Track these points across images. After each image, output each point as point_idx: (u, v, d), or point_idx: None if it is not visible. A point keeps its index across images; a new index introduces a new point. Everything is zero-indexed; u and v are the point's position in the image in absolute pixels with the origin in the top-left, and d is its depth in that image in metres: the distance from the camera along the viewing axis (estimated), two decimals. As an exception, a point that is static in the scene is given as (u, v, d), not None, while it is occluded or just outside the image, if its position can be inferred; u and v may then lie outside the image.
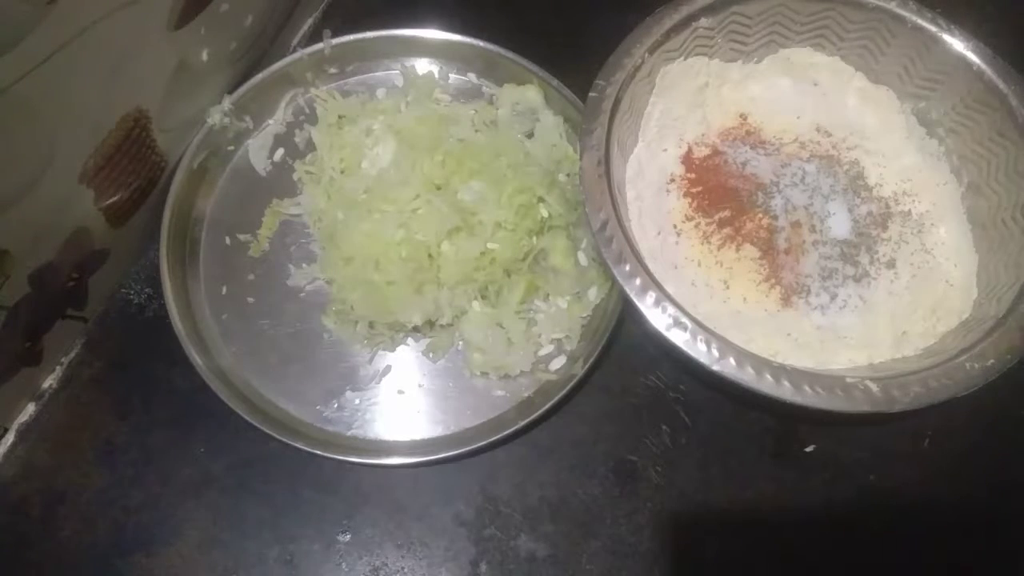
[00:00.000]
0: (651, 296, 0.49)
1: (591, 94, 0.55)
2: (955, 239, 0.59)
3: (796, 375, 0.48)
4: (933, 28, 0.59)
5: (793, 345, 0.54)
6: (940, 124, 0.61)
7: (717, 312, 0.55)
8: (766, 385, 0.48)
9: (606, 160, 0.53)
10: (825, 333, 0.55)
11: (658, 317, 0.49)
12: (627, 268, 0.50)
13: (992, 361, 0.49)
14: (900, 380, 0.49)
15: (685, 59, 0.60)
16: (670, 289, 0.51)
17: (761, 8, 0.60)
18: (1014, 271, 0.54)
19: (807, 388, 0.48)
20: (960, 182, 0.60)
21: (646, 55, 0.57)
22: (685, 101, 0.62)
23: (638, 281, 0.50)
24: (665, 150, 0.61)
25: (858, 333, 0.56)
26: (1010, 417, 0.61)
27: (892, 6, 0.59)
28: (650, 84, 0.59)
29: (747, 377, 0.48)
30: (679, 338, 0.48)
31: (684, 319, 0.49)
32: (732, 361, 0.48)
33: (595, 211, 0.51)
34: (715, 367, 0.48)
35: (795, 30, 0.62)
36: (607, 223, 0.51)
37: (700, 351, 0.48)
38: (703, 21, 0.59)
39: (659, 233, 0.57)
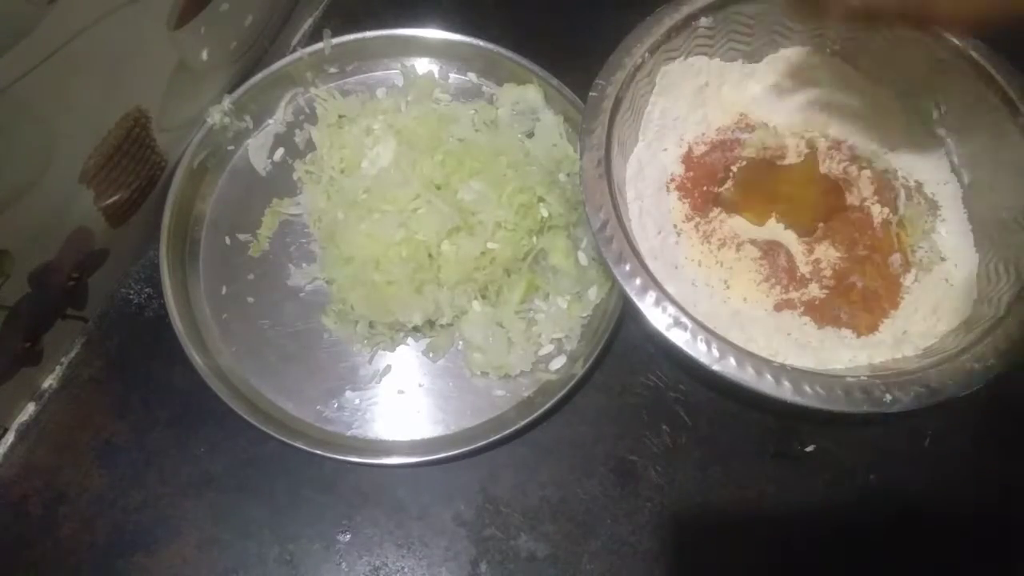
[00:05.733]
0: (651, 296, 0.49)
1: (591, 94, 0.55)
2: (956, 239, 0.59)
3: (796, 375, 0.48)
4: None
5: (793, 345, 0.54)
6: (940, 124, 0.61)
7: (717, 312, 0.55)
8: (766, 385, 0.48)
9: (606, 160, 0.53)
10: (825, 333, 0.55)
11: (658, 317, 0.49)
12: (627, 268, 0.50)
13: (992, 361, 0.49)
14: (900, 380, 0.49)
15: (685, 59, 0.60)
16: (670, 289, 0.51)
17: (761, 8, 0.60)
18: (1014, 271, 0.54)
19: (807, 388, 0.48)
20: (961, 182, 0.60)
21: (646, 55, 0.57)
22: (685, 101, 0.62)
23: (638, 281, 0.50)
24: (665, 150, 0.61)
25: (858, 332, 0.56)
26: (1010, 417, 0.61)
27: None
28: (650, 84, 0.59)
29: (747, 377, 0.48)
30: (679, 338, 0.48)
31: (684, 319, 0.49)
32: (732, 361, 0.48)
33: (595, 211, 0.51)
34: (715, 367, 0.48)
35: (795, 30, 0.62)
36: (607, 223, 0.51)
37: (700, 351, 0.48)
38: (703, 21, 0.59)
39: (659, 233, 0.57)
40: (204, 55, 0.58)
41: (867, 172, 0.60)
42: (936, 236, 0.60)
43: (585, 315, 0.61)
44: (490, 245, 0.58)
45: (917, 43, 0.59)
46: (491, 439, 0.55)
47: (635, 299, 0.49)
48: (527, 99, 0.65)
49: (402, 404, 0.59)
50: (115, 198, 0.56)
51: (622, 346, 0.61)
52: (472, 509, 0.57)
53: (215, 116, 0.62)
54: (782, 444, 0.59)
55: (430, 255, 0.57)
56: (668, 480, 0.58)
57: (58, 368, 0.60)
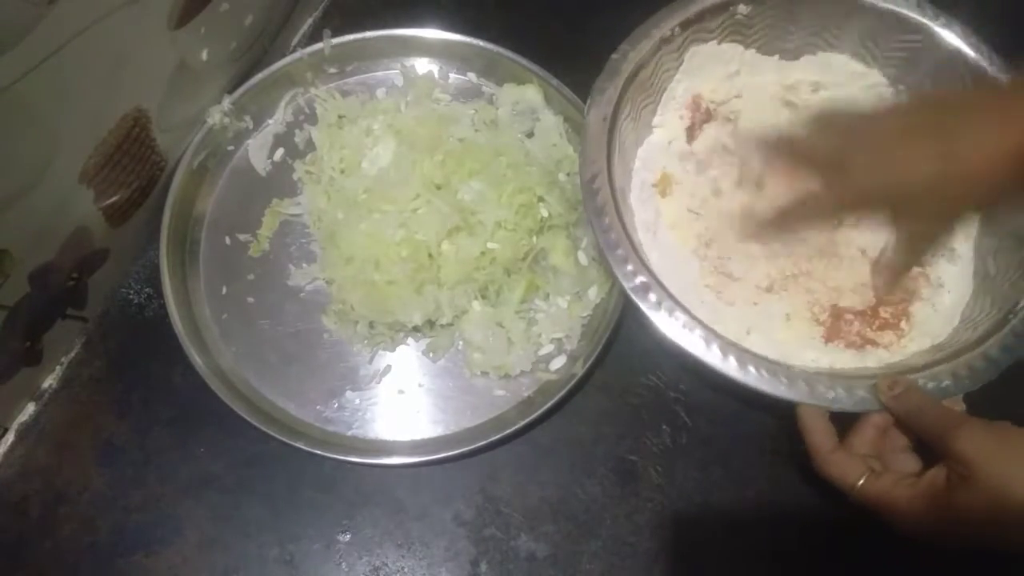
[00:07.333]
0: (620, 252, 0.49)
1: (612, 56, 0.54)
2: (955, 267, 0.58)
3: (748, 356, 0.48)
4: (974, 55, 0.56)
5: (758, 333, 0.54)
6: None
7: (692, 288, 0.55)
8: (713, 357, 0.48)
9: (612, 119, 0.52)
10: (795, 330, 0.55)
11: (625, 274, 0.49)
12: (606, 221, 0.50)
13: (947, 383, 0.49)
14: (847, 381, 0.49)
15: (719, 43, 0.59)
16: (653, 256, 0.51)
17: (807, 6, 0.58)
18: (999, 302, 0.53)
19: (752, 368, 0.48)
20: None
21: (677, 29, 0.56)
22: (713, 85, 0.61)
23: (612, 235, 0.50)
24: (680, 119, 0.60)
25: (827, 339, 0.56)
26: (1008, 418, 0.61)
27: (936, 25, 0.57)
28: (678, 60, 0.58)
29: (706, 353, 0.48)
30: (643, 300, 0.48)
31: (647, 279, 0.49)
32: (699, 334, 0.48)
33: (588, 163, 0.51)
34: (673, 337, 0.48)
35: (836, 34, 0.60)
36: (597, 176, 0.51)
37: (661, 318, 0.48)
38: (742, 8, 0.57)
39: (654, 204, 0.57)
40: (204, 55, 0.58)
41: None
42: (935, 262, 0.58)
43: (585, 315, 0.61)
44: (490, 245, 0.58)
45: (957, 67, 0.58)
46: (491, 439, 0.55)
47: (605, 250, 0.49)
48: (527, 99, 0.65)
49: (402, 404, 0.59)
50: (115, 198, 0.56)
51: (622, 346, 0.61)
52: (472, 509, 0.57)
53: (215, 116, 0.62)
54: (782, 444, 0.59)
55: (430, 255, 0.57)
56: (668, 480, 0.58)
57: (58, 368, 0.60)
